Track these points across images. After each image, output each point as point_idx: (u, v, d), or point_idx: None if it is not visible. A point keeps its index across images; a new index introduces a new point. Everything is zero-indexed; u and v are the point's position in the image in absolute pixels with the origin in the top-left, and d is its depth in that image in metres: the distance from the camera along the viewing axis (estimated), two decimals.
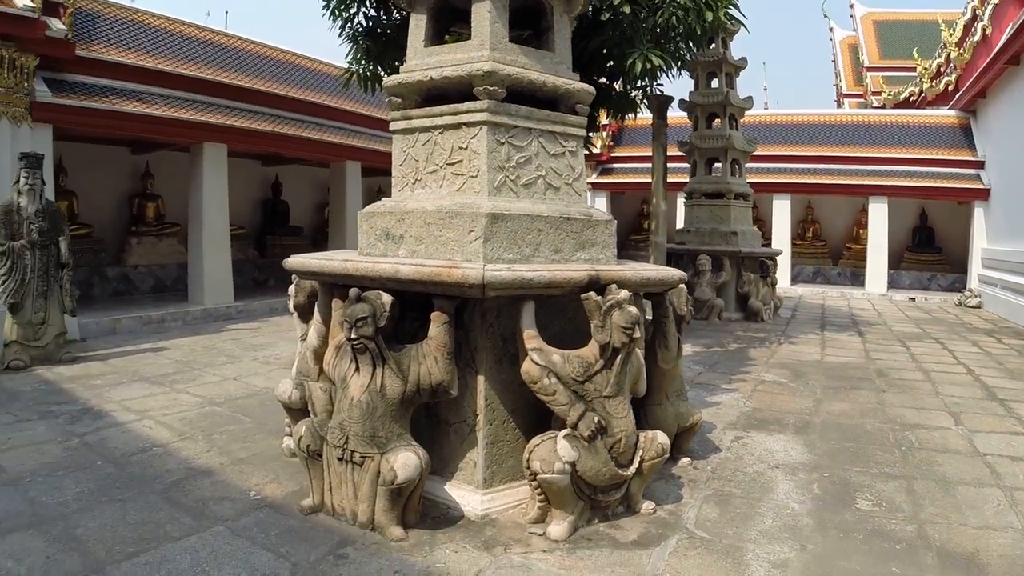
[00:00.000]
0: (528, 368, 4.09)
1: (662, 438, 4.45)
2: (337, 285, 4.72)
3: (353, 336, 4.04)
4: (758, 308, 14.43)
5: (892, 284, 22.07)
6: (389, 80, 4.97)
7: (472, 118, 4.54)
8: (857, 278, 22.96)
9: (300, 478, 4.89)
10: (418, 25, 5.07)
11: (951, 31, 23.32)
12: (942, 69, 25.55)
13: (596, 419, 4.07)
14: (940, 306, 18.89)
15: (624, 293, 4.11)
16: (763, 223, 22.27)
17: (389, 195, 5.11)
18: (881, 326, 14.33)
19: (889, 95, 31.13)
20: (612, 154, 26.65)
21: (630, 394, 4.40)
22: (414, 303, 4.37)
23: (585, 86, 4.96)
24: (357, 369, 4.16)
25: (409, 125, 4.93)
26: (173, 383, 8.17)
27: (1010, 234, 17.51)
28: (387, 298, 4.15)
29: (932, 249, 23.30)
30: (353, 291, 4.16)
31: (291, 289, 5.53)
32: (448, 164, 4.68)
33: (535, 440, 4.14)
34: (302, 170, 19.29)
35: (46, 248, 9.51)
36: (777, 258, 15.73)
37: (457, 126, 4.63)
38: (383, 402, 4.08)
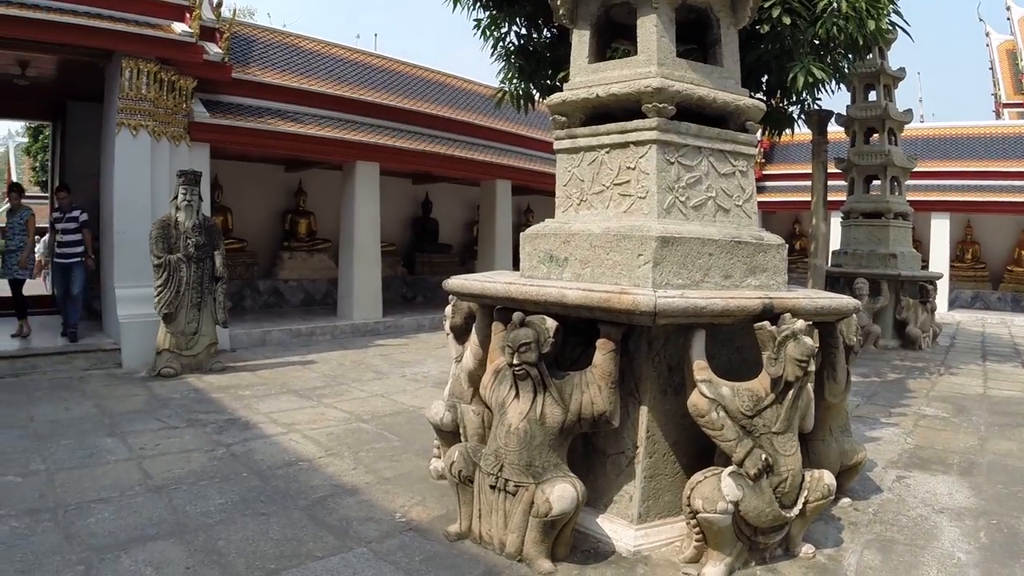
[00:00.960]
0: (696, 400, 3.87)
1: (829, 478, 4.13)
2: (497, 308, 4.60)
3: (515, 362, 3.92)
4: (916, 335, 13.62)
5: None
6: (553, 98, 4.85)
7: (641, 136, 4.36)
8: (1018, 303, 21.57)
9: (447, 502, 4.82)
10: (581, 41, 4.94)
11: None
12: None
13: (764, 457, 3.81)
14: None
15: (800, 323, 3.84)
16: (920, 244, 21.12)
17: (537, 214, 4.99)
18: None
19: None
20: (764, 172, 25.89)
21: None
22: (577, 328, 4.21)
23: (755, 102, 4.72)
24: (517, 395, 4.04)
25: (574, 144, 4.79)
26: (320, 397, 8.24)
27: None
28: (551, 323, 4.02)
29: None
30: (517, 315, 4.06)
31: (447, 310, 5.45)
32: (615, 184, 4.51)
33: (697, 476, 3.91)
34: (452, 188, 19.52)
35: (201, 262, 9.86)
36: (936, 282, 14.90)
37: (624, 145, 4.45)
38: (542, 431, 3.94)
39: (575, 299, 3.98)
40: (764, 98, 9.40)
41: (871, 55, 14.28)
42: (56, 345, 10.22)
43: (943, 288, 19.75)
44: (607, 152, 4.56)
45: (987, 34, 41.95)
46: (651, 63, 4.44)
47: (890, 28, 8.44)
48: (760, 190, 25.26)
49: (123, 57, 10.53)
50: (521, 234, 4.99)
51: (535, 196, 20.44)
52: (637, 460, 4.12)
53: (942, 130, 24.38)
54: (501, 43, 9.29)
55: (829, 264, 14.60)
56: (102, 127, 12.04)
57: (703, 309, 3.79)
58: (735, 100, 4.62)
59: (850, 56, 8.96)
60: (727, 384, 3.90)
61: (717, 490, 3.75)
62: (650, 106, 4.29)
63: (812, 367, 3.84)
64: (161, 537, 4.30)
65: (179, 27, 10.97)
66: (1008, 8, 38.32)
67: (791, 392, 3.88)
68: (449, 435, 5.03)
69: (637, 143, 4.39)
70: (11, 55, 11.42)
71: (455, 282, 4.90)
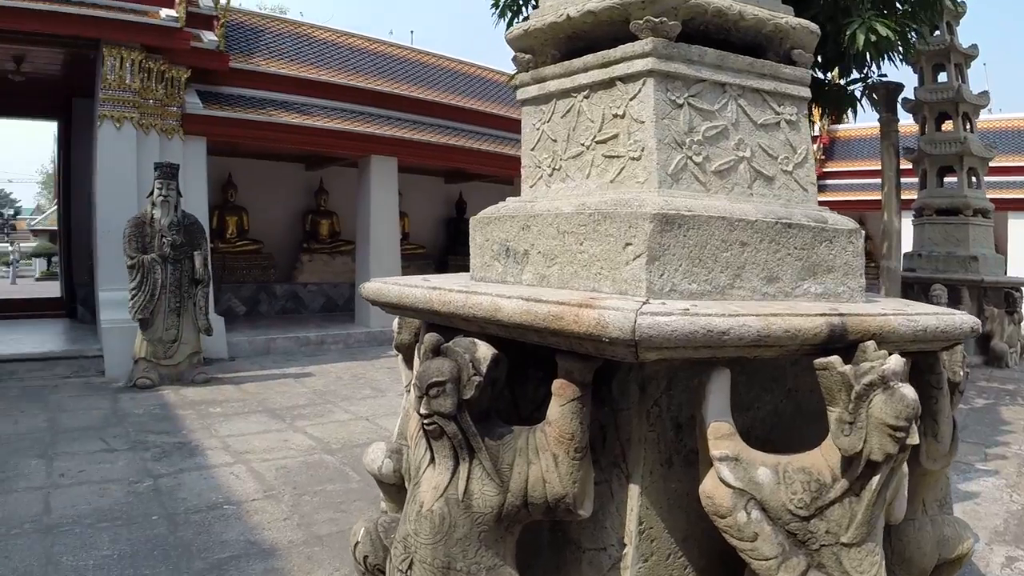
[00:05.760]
0: (713, 491, 2.32)
1: None
2: (427, 325, 3.23)
3: (423, 412, 2.49)
4: (1003, 351, 11.78)
5: None
6: (513, 30, 3.36)
7: (630, 68, 2.84)
8: None
9: None
10: None
11: None
12: None
13: None
14: None
15: (894, 361, 2.26)
16: (998, 246, 19.34)
17: None
18: None
19: None
20: (824, 169, 23.96)
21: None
22: (540, 356, 2.73)
23: (805, 23, 3.15)
24: (432, 461, 2.60)
25: (542, 90, 3.29)
26: (295, 419, 7.20)
27: None
28: (485, 351, 2.56)
29: None
30: (429, 338, 2.61)
31: (394, 323, 4.07)
32: (598, 142, 3.00)
33: None
34: (486, 187, 18.10)
35: (179, 263, 8.98)
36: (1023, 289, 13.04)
37: (609, 83, 2.94)
38: (467, 518, 2.48)
39: (513, 314, 2.51)
40: (821, 74, 8.06)
41: (938, 32, 12.62)
42: (39, 351, 9.71)
43: None
44: (586, 97, 3.04)
45: None
46: None
47: None
48: (821, 189, 23.63)
49: (105, 45, 9.91)
50: (471, 220, 3.56)
51: None
52: (624, 564, 2.57)
53: (1019, 121, 22.38)
54: (517, 20, 8.10)
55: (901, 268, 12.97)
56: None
57: (725, 335, 2.19)
58: (773, 17, 3.05)
59: (921, 17, 7.61)
60: (767, 462, 2.34)
61: None
62: (641, 22, 2.76)
63: (914, 438, 2.26)
64: None
65: (164, 12, 10.29)
66: None
67: (876, 478, 2.27)
68: (393, 488, 3.69)
69: (626, 78, 2.87)
70: (1, 49, 11.03)
71: (371, 286, 3.46)
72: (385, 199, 13.33)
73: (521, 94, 3.41)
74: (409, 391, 3.91)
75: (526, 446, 2.50)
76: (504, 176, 16.24)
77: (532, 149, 3.34)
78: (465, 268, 12.02)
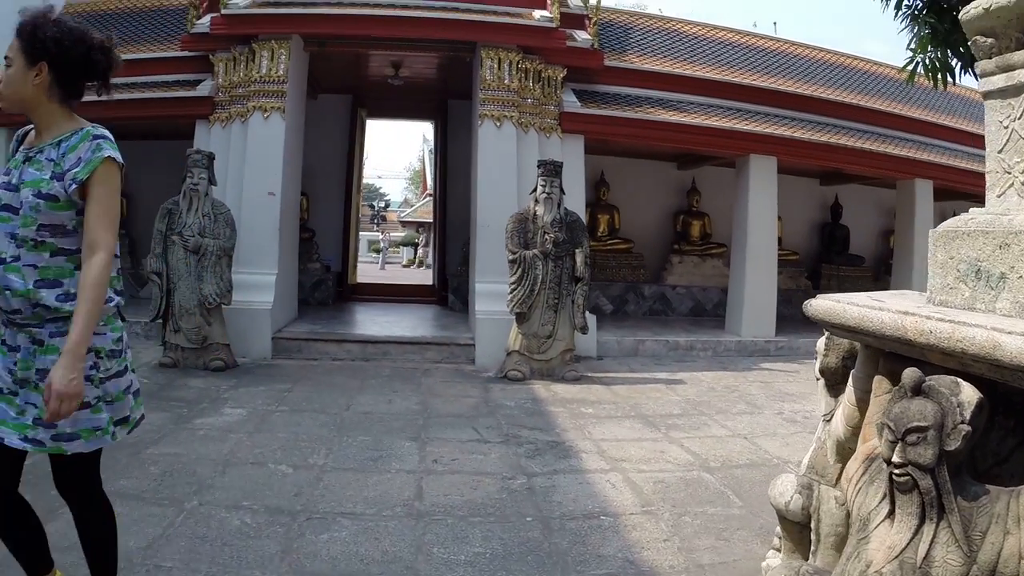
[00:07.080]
0: None
1: None
2: (886, 352, 2.79)
3: (896, 460, 2.16)
4: None
5: None
6: (970, 10, 2.86)
7: None
8: None
9: None
10: None
11: None
12: None
13: None
14: None
15: None
16: None
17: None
18: None
19: None
20: None
21: None
22: (1012, 401, 2.30)
23: None
24: (891, 514, 2.24)
25: (1010, 80, 2.75)
26: (669, 428, 6.91)
27: None
28: (970, 394, 2.15)
29: None
30: (909, 374, 2.24)
31: (819, 344, 3.66)
32: None
33: None
34: (864, 190, 16.75)
35: (560, 259, 9.12)
36: None
37: None
38: None
39: (1017, 354, 2.03)
40: None
41: None
42: (412, 335, 10.40)
43: None
44: None
45: None
46: None
47: None
48: None
49: (483, 48, 10.43)
50: (930, 232, 3.06)
51: (957, 202, 15.98)
52: None
53: None
54: (906, 1, 7.41)
55: None
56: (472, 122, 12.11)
57: None
58: None
59: None
60: None
61: None
62: None
63: None
64: None
65: (538, 14, 10.61)
66: None
67: None
68: (796, 527, 3.38)
69: None
70: (383, 56, 12.09)
71: (822, 304, 3.06)
72: (763, 201, 12.59)
73: (983, 85, 2.89)
74: (828, 421, 3.57)
75: (1005, 512, 2.07)
76: (885, 178, 14.81)
77: (999, 151, 2.81)
78: (839, 278, 11.24)
